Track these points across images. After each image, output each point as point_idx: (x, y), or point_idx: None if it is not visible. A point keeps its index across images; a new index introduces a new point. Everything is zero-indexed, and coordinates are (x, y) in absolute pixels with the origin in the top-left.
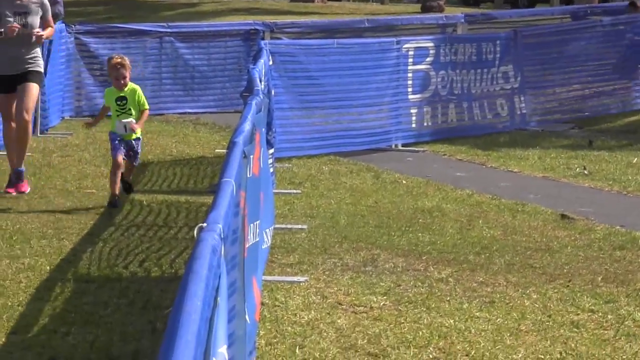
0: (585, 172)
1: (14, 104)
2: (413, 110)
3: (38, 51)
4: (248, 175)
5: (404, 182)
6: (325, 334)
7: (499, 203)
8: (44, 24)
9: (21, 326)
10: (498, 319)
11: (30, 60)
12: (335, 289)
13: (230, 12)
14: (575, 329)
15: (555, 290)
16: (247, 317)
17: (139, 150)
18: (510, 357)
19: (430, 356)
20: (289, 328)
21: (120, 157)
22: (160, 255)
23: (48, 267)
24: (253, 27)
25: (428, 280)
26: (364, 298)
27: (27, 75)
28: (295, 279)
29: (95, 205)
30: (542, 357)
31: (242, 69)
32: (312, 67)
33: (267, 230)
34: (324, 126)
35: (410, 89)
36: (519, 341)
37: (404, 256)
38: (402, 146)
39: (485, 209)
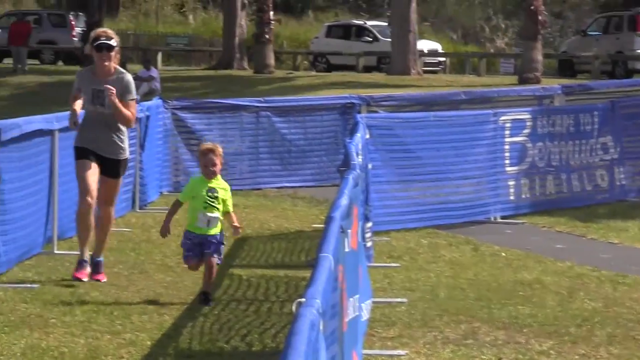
0: None
1: (97, 186)
2: (511, 182)
3: (124, 134)
4: (346, 250)
5: (503, 254)
6: None
7: (599, 275)
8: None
9: None
10: None
11: (115, 145)
12: None
13: (326, 85)
14: None
15: None
16: None
17: (222, 244)
18: None
19: None
20: None
21: (194, 263)
22: (262, 330)
23: (149, 343)
24: (349, 101)
25: (529, 353)
26: None
27: (113, 168)
28: (395, 352)
29: (195, 281)
30: None
31: (339, 142)
32: (409, 140)
33: (366, 303)
34: (421, 199)
35: (507, 161)
36: None
37: (504, 329)
38: (501, 218)
39: (586, 281)
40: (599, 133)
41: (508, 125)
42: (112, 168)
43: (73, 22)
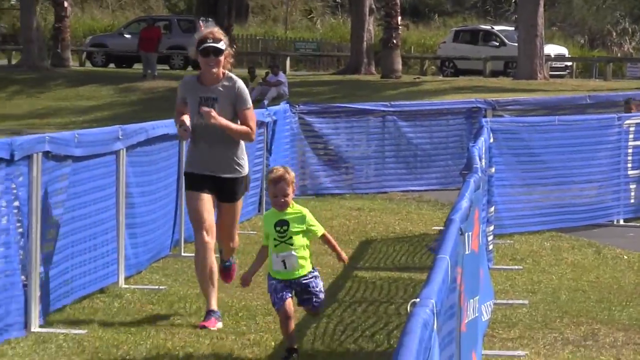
0: None
1: (214, 217)
2: (632, 186)
3: (241, 151)
4: (466, 252)
5: (626, 257)
6: None
7: None
8: (237, 118)
9: None
10: None
11: (231, 161)
12: None
13: (453, 90)
14: None
15: None
16: None
17: (320, 290)
18: None
19: None
20: None
21: (286, 307)
22: (378, 330)
23: (273, 343)
24: (475, 105)
25: None
26: None
27: (231, 190)
28: (515, 353)
29: (326, 285)
30: None
31: (464, 146)
32: (534, 144)
33: (486, 304)
34: (545, 202)
35: (630, 164)
36: None
37: (624, 330)
38: (623, 221)
39: None
40: None
41: (632, 129)
42: (229, 189)
43: (203, 28)
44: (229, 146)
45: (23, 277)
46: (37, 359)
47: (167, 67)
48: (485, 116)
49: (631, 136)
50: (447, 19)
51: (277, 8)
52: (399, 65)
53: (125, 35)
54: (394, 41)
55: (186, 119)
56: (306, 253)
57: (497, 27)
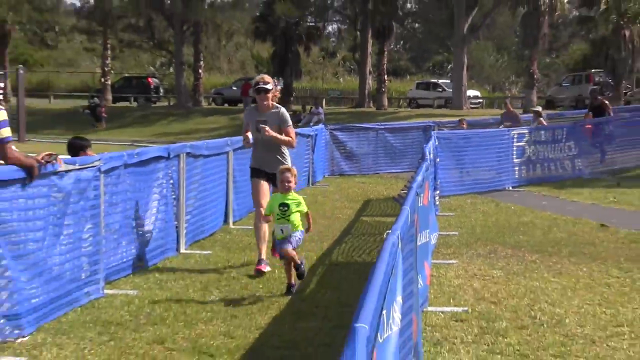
0: (615, 200)
1: (268, 198)
2: (516, 168)
3: (285, 153)
4: (419, 205)
5: (512, 208)
6: (467, 291)
7: (566, 219)
8: (282, 133)
9: None
10: (563, 282)
11: (278, 162)
12: (473, 267)
13: (416, 115)
14: (607, 287)
15: (596, 266)
16: (420, 281)
17: (297, 237)
18: (570, 302)
19: (525, 302)
20: (447, 288)
21: (284, 253)
22: (378, 250)
23: (314, 256)
24: (428, 124)
25: (524, 262)
26: (489, 271)
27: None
28: (450, 261)
29: (344, 226)
30: (589, 303)
31: (422, 147)
32: (461, 145)
33: (434, 235)
34: (466, 177)
35: (514, 156)
36: (575, 294)
37: (511, 248)
38: (512, 188)
39: (559, 222)
40: (566, 140)
41: (515, 136)
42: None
43: (276, 83)
44: (276, 151)
45: (175, 222)
46: (183, 267)
47: None
48: (433, 129)
49: (515, 140)
50: (412, 76)
51: (318, 72)
52: (385, 102)
53: (233, 88)
54: (382, 89)
55: (249, 134)
56: (297, 223)
57: (440, 80)
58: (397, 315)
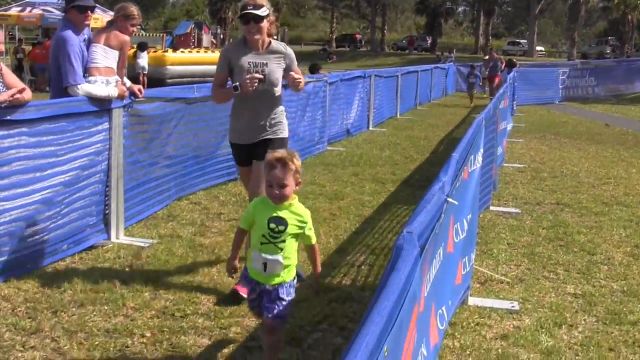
0: (615, 112)
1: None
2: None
3: (280, 111)
4: (500, 106)
5: (556, 113)
6: (526, 156)
7: (585, 120)
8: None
9: None
10: (580, 154)
11: (270, 126)
12: (531, 143)
13: None
14: (604, 158)
15: (600, 146)
16: (499, 149)
17: (286, 300)
18: (583, 165)
19: (558, 164)
20: (515, 154)
21: (255, 312)
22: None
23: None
24: None
25: (560, 142)
26: (539, 146)
27: (264, 148)
28: (518, 140)
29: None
30: (593, 166)
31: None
32: None
33: (509, 125)
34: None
35: None
36: (586, 161)
37: (553, 135)
38: (557, 102)
39: (581, 122)
40: (589, 76)
41: (560, 73)
42: (270, 148)
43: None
44: (273, 109)
45: (367, 112)
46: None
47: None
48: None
49: (560, 75)
50: (505, 38)
51: (451, 33)
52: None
53: (403, 41)
54: (488, 44)
55: (249, 78)
56: (293, 260)
57: (521, 40)
58: (479, 159)
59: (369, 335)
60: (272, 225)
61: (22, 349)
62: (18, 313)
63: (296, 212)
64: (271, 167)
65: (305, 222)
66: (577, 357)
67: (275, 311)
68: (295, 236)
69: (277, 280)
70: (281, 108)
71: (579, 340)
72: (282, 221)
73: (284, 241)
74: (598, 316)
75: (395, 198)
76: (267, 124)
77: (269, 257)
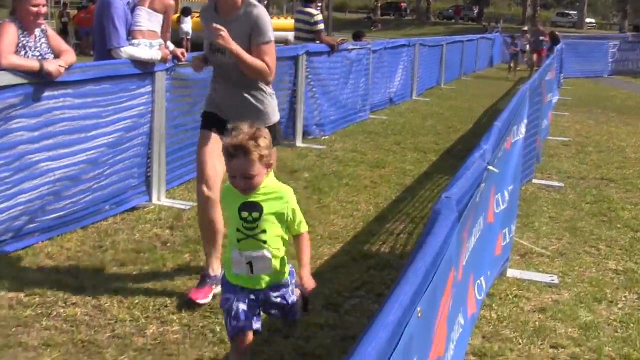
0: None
1: (220, 168)
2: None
3: (262, 94)
4: (546, 78)
5: (605, 86)
6: (571, 129)
7: (634, 94)
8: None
9: None
10: (628, 129)
11: (249, 107)
12: (576, 117)
13: None
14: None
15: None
16: (545, 122)
17: (293, 300)
18: (630, 140)
19: (604, 138)
20: (560, 127)
21: (245, 340)
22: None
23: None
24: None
25: (607, 116)
26: (586, 120)
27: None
28: (564, 113)
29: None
30: (621, 142)
31: None
32: None
33: (555, 97)
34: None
35: None
36: (634, 135)
37: (601, 109)
38: (606, 76)
39: (630, 96)
40: None
41: (610, 45)
42: None
43: None
44: (248, 88)
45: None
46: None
47: None
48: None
49: (610, 47)
50: (554, 9)
51: (499, 3)
52: (537, 24)
53: (449, 11)
54: (536, 15)
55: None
56: (281, 251)
57: (571, 11)
58: (522, 129)
59: (403, 295)
60: (245, 214)
61: (64, 305)
62: (61, 270)
63: (271, 191)
64: (229, 156)
65: (286, 202)
66: (615, 334)
67: (288, 315)
68: (278, 221)
69: (268, 281)
70: (264, 90)
71: (619, 316)
72: (255, 206)
73: (264, 231)
74: (639, 294)
75: (437, 168)
76: (242, 105)
77: (253, 254)
